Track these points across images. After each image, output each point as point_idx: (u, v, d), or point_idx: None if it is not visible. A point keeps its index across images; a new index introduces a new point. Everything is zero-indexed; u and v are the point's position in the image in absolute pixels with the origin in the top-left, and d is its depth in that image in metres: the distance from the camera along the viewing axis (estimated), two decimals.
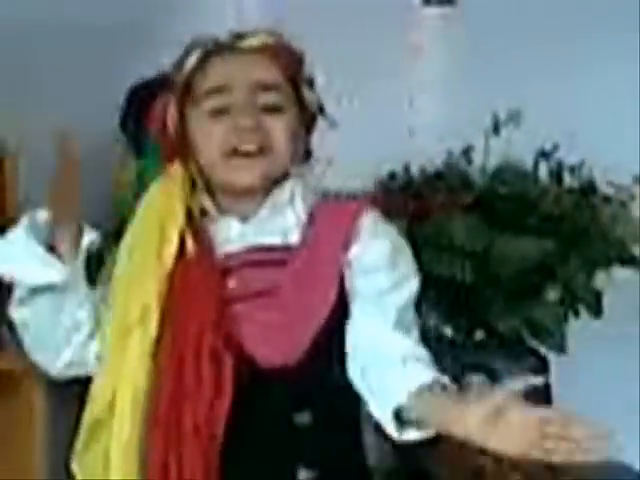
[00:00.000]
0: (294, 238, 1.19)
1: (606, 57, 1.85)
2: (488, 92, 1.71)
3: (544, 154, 1.62)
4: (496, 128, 1.59)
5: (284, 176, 1.21)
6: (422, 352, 1.11)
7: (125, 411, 1.16)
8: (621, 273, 1.73)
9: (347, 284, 1.16)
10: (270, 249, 1.20)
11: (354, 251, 1.15)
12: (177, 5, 1.68)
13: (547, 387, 1.74)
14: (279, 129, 1.17)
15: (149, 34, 1.61)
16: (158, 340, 1.18)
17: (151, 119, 1.26)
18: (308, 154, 1.25)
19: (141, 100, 1.39)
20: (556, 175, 1.60)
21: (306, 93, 1.23)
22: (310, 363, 1.15)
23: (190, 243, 1.18)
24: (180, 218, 1.20)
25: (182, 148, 1.22)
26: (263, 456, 1.17)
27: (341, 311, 1.16)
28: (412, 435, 1.06)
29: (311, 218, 1.20)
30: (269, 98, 1.18)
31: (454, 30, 1.72)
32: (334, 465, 1.20)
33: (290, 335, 1.16)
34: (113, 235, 1.25)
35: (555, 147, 1.64)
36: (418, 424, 1.04)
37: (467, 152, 1.64)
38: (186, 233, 1.19)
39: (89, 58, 1.59)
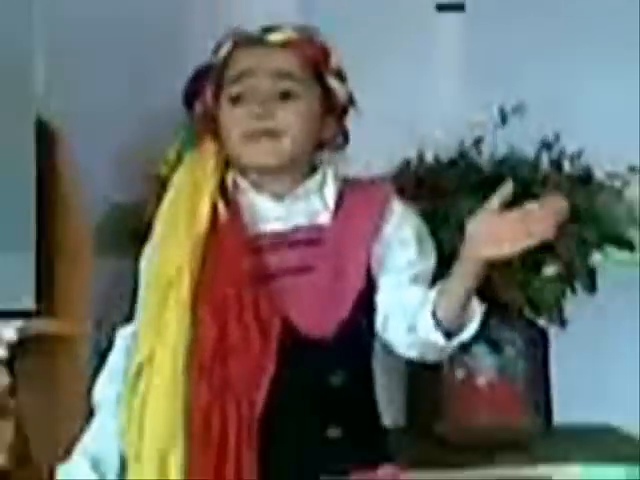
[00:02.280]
0: (325, 219, 1.32)
1: (606, 54, 2.03)
2: (495, 87, 1.87)
3: (546, 144, 1.80)
4: (503, 120, 1.75)
5: (314, 160, 1.35)
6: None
7: (164, 361, 1.31)
8: (620, 255, 1.92)
9: (376, 262, 1.30)
10: (303, 229, 1.33)
11: (386, 231, 1.30)
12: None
13: (546, 359, 1.92)
14: (291, 114, 1.30)
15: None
16: (196, 296, 1.31)
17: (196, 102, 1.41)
18: (345, 140, 1.37)
19: (194, 83, 1.55)
20: (556, 163, 1.78)
21: (332, 83, 1.34)
22: (343, 333, 1.29)
23: (222, 209, 1.32)
24: (211, 187, 1.34)
25: (215, 129, 1.36)
26: (297, 413, 1.30)
27: (370, 287, 1.31)
28: (460, 337, 1.21)
29: (340, 201, 1.33)
30: (284, 85, 1.31)
31: (465, 31, 1.89)
32: (357, 423, 1.34)
33: (328, 309, 1.30)
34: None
35: (557, 137, 1.82)
36: (457, 326, 1.19)
37: (477, 142, 1.79)
38: (218, 202, 1.33)
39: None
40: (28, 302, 1.72)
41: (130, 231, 1.75)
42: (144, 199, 1.78)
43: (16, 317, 1.75)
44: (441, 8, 1.90)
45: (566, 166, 1.84)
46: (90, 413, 1.51)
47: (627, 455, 1.89)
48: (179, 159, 1.48)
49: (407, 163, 1.82)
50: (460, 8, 1.89)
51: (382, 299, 1.30)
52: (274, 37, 1.34)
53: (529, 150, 1.86)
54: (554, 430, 2.07)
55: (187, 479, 1.34)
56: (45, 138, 1.74)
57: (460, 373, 1.86)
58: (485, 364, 1.89)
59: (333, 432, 1.32)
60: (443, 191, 1.73)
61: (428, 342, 1.26)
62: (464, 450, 1.86)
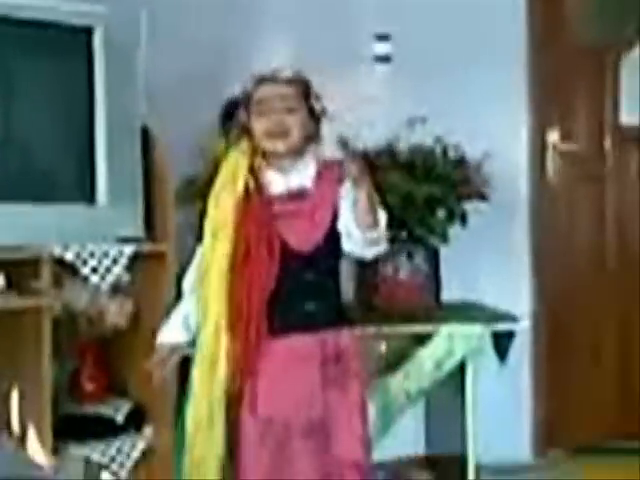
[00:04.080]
0: (309, 184, 1.97)
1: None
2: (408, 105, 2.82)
3: (438, 139, 2.76)
4: (411, 124, 2.69)
5: (304, 149, 1.97)
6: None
7: (216, 274, 1.94)
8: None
9: (336, 208, 1.94)
10: (295, 189, 1.98)
11: (340, 192, 1.95)
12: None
13: (437, 264, 2.88)
14: (293, 122, 1.96)
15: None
16: (235, 231, 1.91)
17: (234, 120, 2.06)
18: (319, 137, 2.01)
19: (228, 109, 2.31)
20: (444, 151, 2.73)
21: (314, 103, 2.00)
22: (317, 249, 1.94)
23: (252, 184, 1.97)
24: (245, 169, 1.97)
25: (248, 132, 2.01)
26: (288, 298, 1.93)
27: (333, 223, 1.95)
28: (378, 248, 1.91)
29: (318, 173, 1.99)
30: (288, 104, 1.95)
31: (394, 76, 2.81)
32: (326, 301, 1.98)
33: (310, 236, 1.94)
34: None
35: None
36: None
37: (397, 139, 2.73)
38: (250, 178, 1.97)
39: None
40: (139, 232, 2.38)
41: (195, 193, 2.59)
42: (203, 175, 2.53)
43: (132, 242, 2.35)
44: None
45: (450, 153, 2.80)
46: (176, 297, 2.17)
47: (485, 318, 2.79)
48: (227, 151, 2.11)
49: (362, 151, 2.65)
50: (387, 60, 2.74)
51: (341, 226, 1.96)
52: (281, 76, 2.00)
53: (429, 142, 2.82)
54: (441, 305, 2.94)
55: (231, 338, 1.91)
56: (147, 138, 2.39)
57: (389, 269, 2.72)
58: (403, 265, 2.75)
59: (309, 306, 1.95)
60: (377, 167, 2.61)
61: (362, 241, 1.88)
62: (390, 316, 2.68)
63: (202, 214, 2.02)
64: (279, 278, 1.93)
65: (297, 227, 1.95)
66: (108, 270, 2.31)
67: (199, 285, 2.00)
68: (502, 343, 2.76)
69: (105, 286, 2.33)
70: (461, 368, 2.75)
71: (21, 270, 2.29)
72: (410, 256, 2.76)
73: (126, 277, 2.42)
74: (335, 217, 1.97)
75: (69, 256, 2.28)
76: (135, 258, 2.37)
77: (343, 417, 1.96)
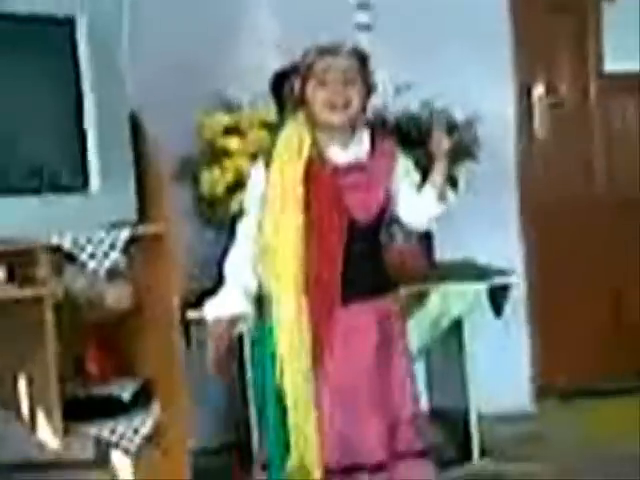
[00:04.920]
0: (365, 157, 2.05)
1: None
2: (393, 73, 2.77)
3: (426, 104, 2.80)
4: (398, 92, 2.73)
5: (359, 122, 2.03)
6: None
7: (290, 239, 1.99)
8: None
9: (391, 182, 2.05)
10: (354, 162, 2.03)
11: (396, 166, 2.06)
12: None
13: (430, 237, 2.92)
14: (353, 94, 2.00)
15: None
16: (304, 196, 1.97)
17: (286, 90, 2.05)
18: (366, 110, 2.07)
19: (278, 80, 2.14)
20: (431, 115, 2.77)
21: (369, 78, 2.05)
22: (374, 220, 2.05)
23: (317, 156, 2.01)
24: (308, 141, 2.01)
25: (303, 103, 2.02)
26: (348, 267, 2.01)
27: (388, 197, 2.05)
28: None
29: (374, 147, 2.06)
30: (348, 76, 1.99)
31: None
32: (378, 269, 2.09)
33: (369, 207, 2.03)
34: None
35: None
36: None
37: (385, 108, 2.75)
38: (314, 150, 2.01)
39: None
40: (132, 215, 2.39)
41: (190, 171, 2.65)
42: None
43: (127, 226, 2.37)
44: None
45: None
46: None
47: (478, 274, 2.89)
48: (282, 122, 2.12)
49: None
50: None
51: (402, 196, 2.07)
52: (342, 49, 2.03)
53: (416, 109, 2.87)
54: (436, 265, 3.03)
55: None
56: (137, 124, 2.40)
57: (385, 236, 2.62)
58: (398, 231, 2.81)
59: (366, 274, 2.06)
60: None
61: (428, 211, 2.03)
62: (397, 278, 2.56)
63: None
64: (346, 243, 2.03)
65: (357, 198, 2.03)
66: (106, 255, 2.35)
67: (263, 254, 2.05)
68: (497, 298, 2.83)
69: (103, 271, 2.36)
70: (459, 324, 2.83)
71: (20, 260, 2.33)
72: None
73: (123, 261, 2.47)
74: (387, 190, 2.07)
75: (66, 244, 2.32)
76: (132, 241, 2.41)
77: (396, 377, 2.08)
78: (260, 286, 2.08)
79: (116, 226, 2.39)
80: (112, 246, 2.36)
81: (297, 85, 2.03)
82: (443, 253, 3.04)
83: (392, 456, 2.06)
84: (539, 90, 3.38)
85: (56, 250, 2.33)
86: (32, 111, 2.28)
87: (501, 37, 3.23)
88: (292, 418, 2.02)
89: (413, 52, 2.97)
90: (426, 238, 2.91)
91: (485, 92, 3.07)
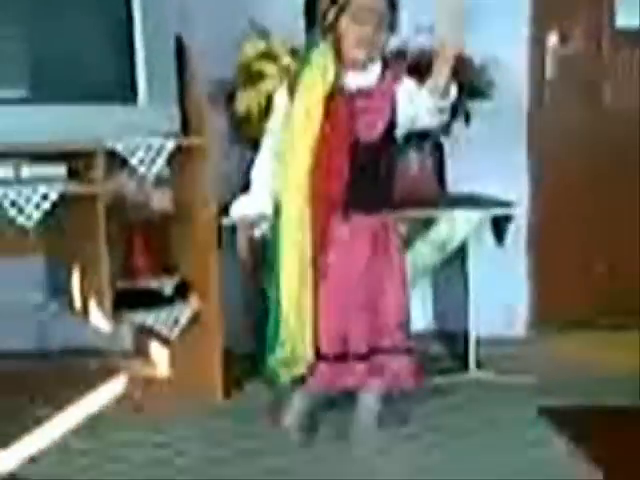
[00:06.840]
0: (375, 82, 2.24)
1: None
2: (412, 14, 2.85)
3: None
4: (418, 31, 2.82)
5: (376, 56, 2.24)
6: None
7: (300, 158, 2.17)
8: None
9: (395, 102, 2.22)
10: (365, 87, 2.23)
11: (401, 87, 2.25)
12: None
13: (442, 158, 3.14)
14: (379, 37, 2.20)
15: None
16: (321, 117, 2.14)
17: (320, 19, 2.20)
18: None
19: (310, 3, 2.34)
20: None
21: (395, 20, 2.24)
22: (378, 139, 2.22)
23: (339, 80, 2.20)
24: (332, 69, 2.18)
25: (333, 35, 2.19)
26: (354, 183, 2.18)
27: (393, 118, 2.23)
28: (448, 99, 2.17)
29: (383, 73, 2.26)
30: (380, 19, 2.18)
31: None
32: (381, 185, 2.26)
33: (374, 127, 2.19)
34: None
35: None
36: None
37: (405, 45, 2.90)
38: (338, 74, 2.20)
39: None
40: (176, 127, 2.65)
41: (226, 92, 2.87)
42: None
43: (171, 137, 2.60)
44: None
45: None
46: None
47: (483, 204, 3.05)
48: (312, 43, 2.28)
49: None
50: None
51: (408, 103, 2.23)
52: None
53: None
54: (446, 194, 3.19)
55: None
56: (181, 46, 2.67)
57: (405, 165, 2.96)
58: (413, 159, 3.03)
59: (368, 189, 2.21)
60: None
61: (432, 108, 2.14)
62: (403, 203, 2.76)
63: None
64: (350, 160, 2.21)
65: (364, 121, 2.19)
66: (153, 161, 2.57)
67: (278, 166, 2.26)
68: (500, 227, 3.02)
69: (151, 176, 2.59)
70: (463, 252, 3.01)
71: (79, 161, 2.60)
72: (419, 149, 3.01)
73: (166, 170, 2.71)
74: (394, 110, 2.23)
75: (119, 148, 2.57)
76: (175, 152, 2.63)
77: (389, 286, 2.27)
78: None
79: (162, 137, 2.61)
80: (159, 153, 2.59)
81: (331, 14, 2.18)
82: (454, 185, 3.21)
83: (376, 350, 2.29)
84: (552, 40, 3.54)
85: (110, 155, 2.58)
86: (88, 30, 2.53)
87: None
88: (287, 314, 2.24)
89: None
90: (439, 166, 3.10)
91: (500, 39, 3.20)
